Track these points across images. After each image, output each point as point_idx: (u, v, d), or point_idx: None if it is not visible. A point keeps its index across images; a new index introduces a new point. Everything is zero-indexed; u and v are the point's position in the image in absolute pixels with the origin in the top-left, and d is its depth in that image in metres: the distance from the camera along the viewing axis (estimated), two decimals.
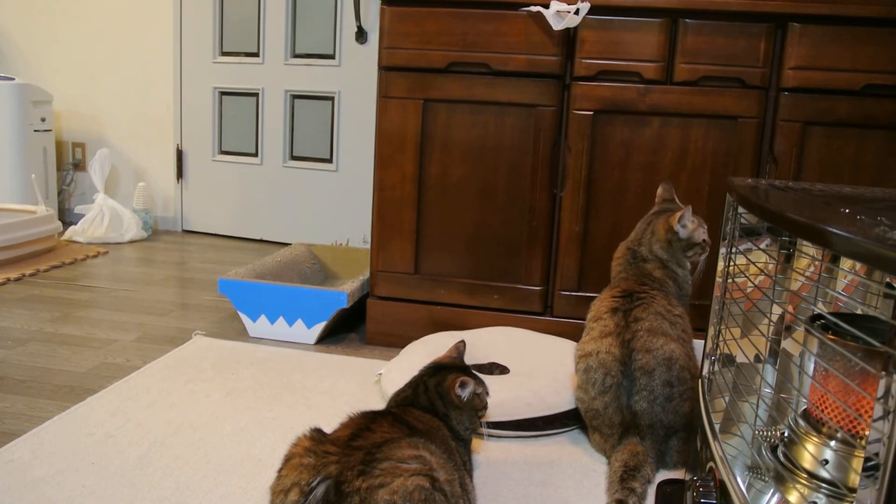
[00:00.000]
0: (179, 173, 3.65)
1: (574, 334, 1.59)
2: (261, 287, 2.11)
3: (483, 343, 1.85)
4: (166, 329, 2.18)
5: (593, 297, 1.61)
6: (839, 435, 0.90)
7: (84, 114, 3.73)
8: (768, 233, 1.10)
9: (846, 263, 0.97)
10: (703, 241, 1.59)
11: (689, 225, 1.57)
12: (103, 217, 3.34)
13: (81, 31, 3.65)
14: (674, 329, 1.44)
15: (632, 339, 1.41)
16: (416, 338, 1.94)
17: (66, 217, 3.73)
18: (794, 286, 1.09)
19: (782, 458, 0.96)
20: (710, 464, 1.02)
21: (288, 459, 1.03)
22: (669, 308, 1.47)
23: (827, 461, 0.90)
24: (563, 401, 1.58)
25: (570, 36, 1.89)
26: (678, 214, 1.56)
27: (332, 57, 3.27)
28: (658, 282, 1.55)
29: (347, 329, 2.25)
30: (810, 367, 0.98)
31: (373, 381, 1.82)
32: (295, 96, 3.38)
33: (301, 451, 1.02)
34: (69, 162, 3.77)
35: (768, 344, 1.10)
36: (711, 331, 1.19)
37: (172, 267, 2.99)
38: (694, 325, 1.53)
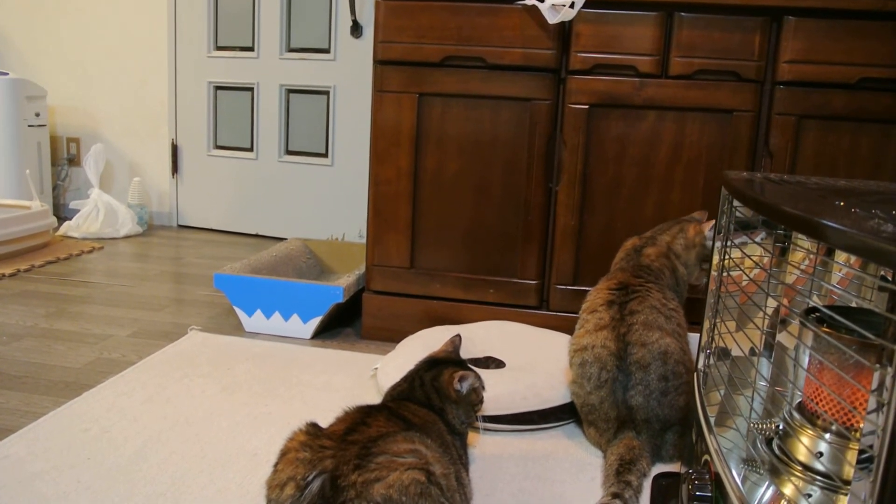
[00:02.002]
0: (174, 168, 3.64)
1: (570, 328, 1.59)
2: (256, 282, 2.11)
3: (479, 337, 1.85)
4: (162, 324, 2.18)
5: (589, 291, 1.61)
6: (834, 427, 0.90)
7: (78, 109, 3.72)
8: (763, 226, 1.10)
9: (841, 256, 0.97)
10: None
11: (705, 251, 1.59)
12: (98, 212, 3.33)
13: (76, 26, 3.63)
14: (669, 323, 1.44)
15: (627, 333, 1.41)
16: (412, 332, 1.94)
17: (61, 212, 3.72)
18: (789, 279, 1.09)
19: (777, 451, 0.96)
20: (706, 457, 1.02)
21: (284, 454, 1.03)
22: (665, 301, 1.47)
23: (822, 454, 0.90)
24: (558, 395, 1.58)
25: (565, 29, 1.89)
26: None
27: (327, 51, 3.26)
28: (654, 273, 1.55)
29: (343, 324, 2.25)
30: (805, 360, 0.98)
31: (368, 375, 1.82)
32: (290, 91, 3.37)
33: (297, 446, 1.02)
34: (64, 157, 3.76)
35: (763, 337, 1.11)
36: (707, 324, 1.20)
37: (168, 262, 2.98)
38: (689, 319, 1.53)
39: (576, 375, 1.48)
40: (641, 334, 1.40)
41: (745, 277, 1.10)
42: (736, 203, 1.09)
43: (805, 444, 0.92)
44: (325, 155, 3.36)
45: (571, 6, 1.82)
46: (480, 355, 1.79)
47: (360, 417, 1.11)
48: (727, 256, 1.12)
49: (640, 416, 1.38)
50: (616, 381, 1.40)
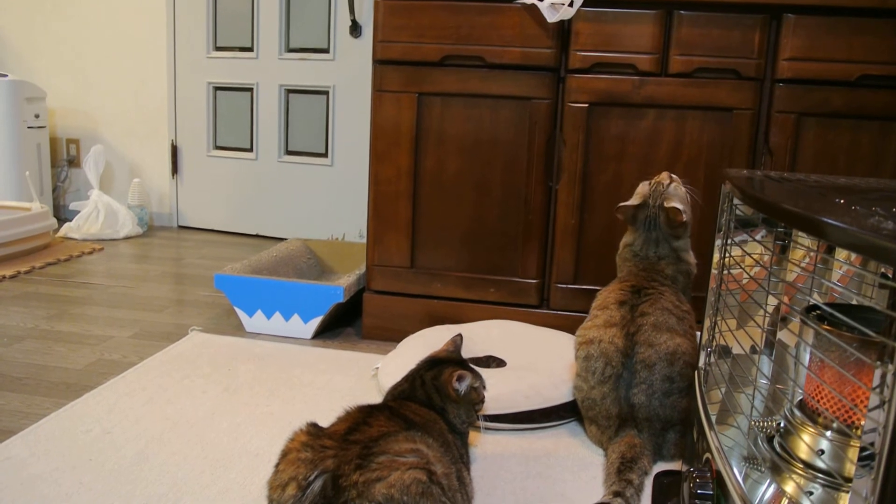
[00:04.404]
0: (174, 169, 3.64)
1: (571, 327, 1.59)
2: (257, 282, 2.11)
3: (479, 336, 1.85)
4: (162, 325, 2.18)
5: (590, 290, 1.61)
6: (835, 425, 0.90)
7: (78, 110, 3.72)
8: (764, 224, 1.10)
9: (841, 254, 0.97)
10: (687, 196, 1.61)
11: (684, 205, 1.56)
12: (98, 213, 3.33)
13: (75, 28, 3.63)
14: (681, 324, 1.43)
15: (636, 333, 1.41)
16: (413, 332, 1.94)
17: (61, 214, 3.72)
18: (790, 277, 1.09)
19: (778, 449, 0.96)
20: (707, 455, 1.02)
21: (285, 454, 1.03)
22: (678, 304, 1.47)
23: (823, 451, 0.90)
24: (560, 393, 1.58)
25: (564, 28, 1.89)
26: (674, 207, 1.54)
27: (326, 51, 3.26)
28: (669, 278, 1.54)
29: (344, 324, 2.25)
30: (806, 358, 0.98)
31: (370, 375, 1.82)
32: (289, 91, 3.37)
33: (298, 446, 1.02)
34: (63, 158, 3.76)
35: (764, 335, 1.11)
36: (707, 322, 1.19)
37: (168, 263, 2.98)
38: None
39: (580, 368, 1.47)
40: (650, 335, 1.40)
41: (745, 275, 1.10)
42: (736, 201, 1.09)
43: (806, 442, 0.92)
44: (325, 155, 3.36)
45: (570, 5, 1.82)
46: (481, 354, 1.79)
47: (361, 417, 1.11)
48: (728, 254, 1.12)
49: (642, 414, 1.38)
50: (620, 377, 1.40)
